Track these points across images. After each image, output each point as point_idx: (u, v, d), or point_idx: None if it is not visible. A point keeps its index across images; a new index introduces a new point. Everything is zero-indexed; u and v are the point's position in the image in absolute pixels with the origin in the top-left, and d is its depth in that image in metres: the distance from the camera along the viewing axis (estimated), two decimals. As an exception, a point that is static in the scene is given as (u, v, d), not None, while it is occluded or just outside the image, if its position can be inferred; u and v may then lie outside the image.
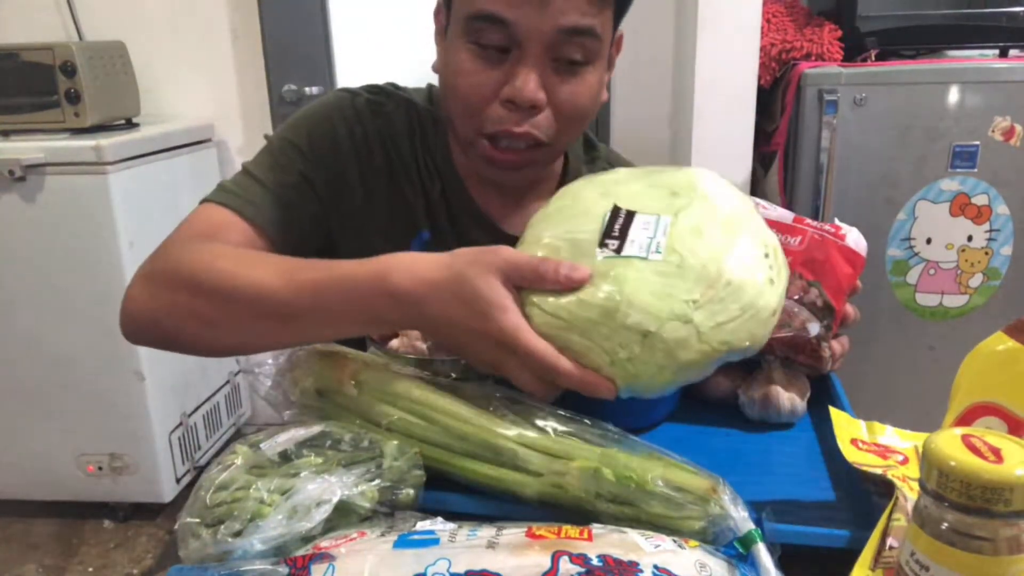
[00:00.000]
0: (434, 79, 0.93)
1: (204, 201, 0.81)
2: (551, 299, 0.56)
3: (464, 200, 0.89)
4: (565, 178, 0.93)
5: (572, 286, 0.56)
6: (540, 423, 0.56)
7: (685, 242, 0.57)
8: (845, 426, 0.61)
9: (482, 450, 0.56)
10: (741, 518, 0.47)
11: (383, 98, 0.88)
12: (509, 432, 0.56)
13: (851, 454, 0.57)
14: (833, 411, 0.62)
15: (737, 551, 0.46)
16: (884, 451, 0.58)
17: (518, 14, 0.70)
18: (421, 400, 0.58)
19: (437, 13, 0.82)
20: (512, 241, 0.89)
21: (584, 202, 0.62)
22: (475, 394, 0.60)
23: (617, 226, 0.58)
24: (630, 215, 0.59)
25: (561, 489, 0.53)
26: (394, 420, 0.58)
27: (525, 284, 0.57)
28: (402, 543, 0.43)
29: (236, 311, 0.65)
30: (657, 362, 0.55)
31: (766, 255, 0.59)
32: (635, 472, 0.51)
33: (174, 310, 0.68)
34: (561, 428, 0.56)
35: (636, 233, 0.58)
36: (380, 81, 0.92)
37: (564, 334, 0.56)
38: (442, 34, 0.81)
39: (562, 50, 0.73)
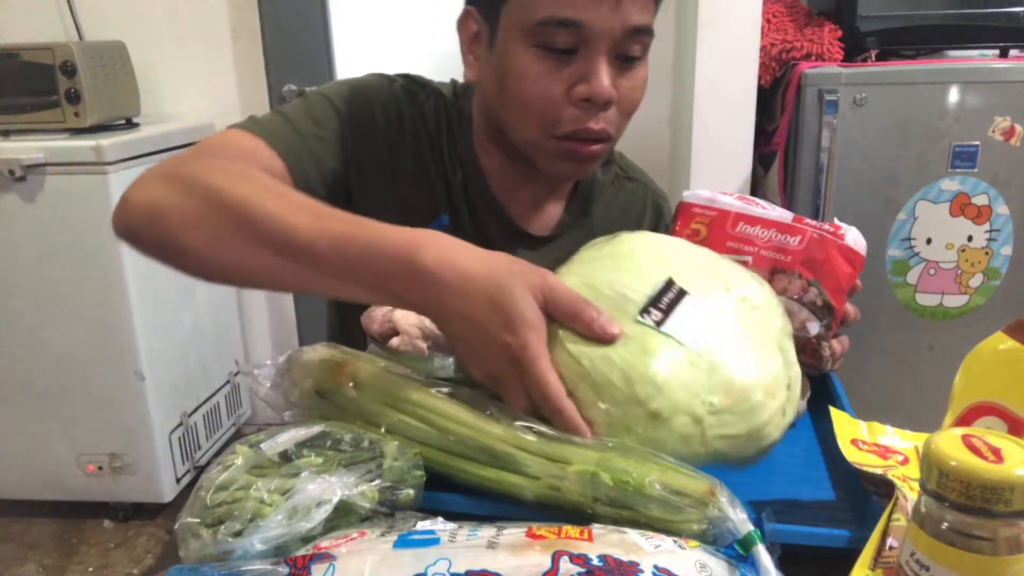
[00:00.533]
0: (441, 75, 0.94)
1: (232, 127, 0.79)
2: (578, 343, 0.56)
3: (486, 196, 0.90)
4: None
5: (602, 339, 0.55)
6: (538, 426, 0.56)
7: (723, 345, 0.56)
8: (845, 426, 0.61)
9: (480, 453, 0.56)
10: (740, 520, 0.47)
11: (417, 87, 0.89)
12: (507, 435, 0.56)
13: (851, 454, 0.57)
14: (833, 411, 0.62)
15: (737, 552, 0.46)
16: (884, 451, 0.58)
17: (592, 16, 0.71)
18: (420, 403, 0.58)
19: (464, 23, 0.81)
20: (529, 238, 0.92)
21: (640, 259, 0.61)
22: (474, 397, 0.60)
23: (666, 299, 0.58)
24: (681, 293, 0.58)
25: (559, 492, 0.53)
26: (393, 422, 0.58)
27: (556, 315, 0.56)
28: (402, 543, 0.43)
29: (250, 234, 0.61)
30: (651, 445, 0.55)
31: (788, 386, 0.59)
32: (632, 476, 0.51)
33: (183, 214, 0.64)
34: (559, 432, 0.56)
35: (681, 314, 0.57)
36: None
37: (576, 380, 0.56)
38: (476, 43, 0.81)
39: (624, 47, 0.74)
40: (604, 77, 0.73)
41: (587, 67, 0.73)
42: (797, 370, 0.61)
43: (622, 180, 1.00)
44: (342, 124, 0.83)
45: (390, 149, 0.85)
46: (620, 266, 0.61)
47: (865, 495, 0.57)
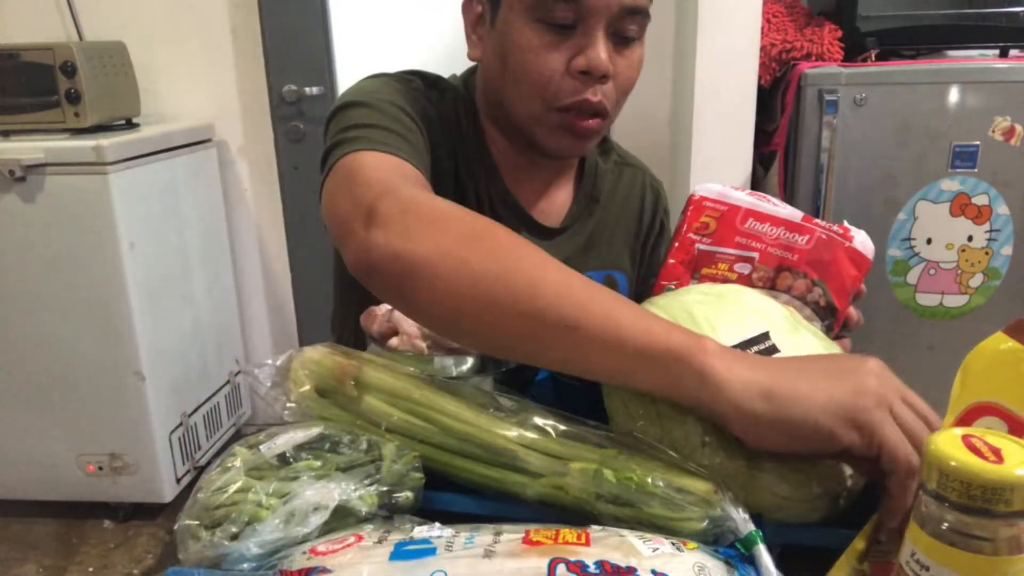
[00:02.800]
0: (440, 70, 0.94)
1: (352, 151, 0.70)
2: None
3: (500, 188, 0.90)
4: (585, 165, 0.97)
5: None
6: (541, 423, 0.56)
7: None
8: None
9: (483, 451, 0.56)
10: (742, 519, 0.47)
11: (432, 85, 0.89)
12: (510, 433, 0.56)
13: None
14: None
15: (737, 551, 0.46)
16: None
17: None
18: (422, 401, 0.58)
19: (469, 5, 0.84)
20: (543, 230, 0.92)
21: (744, 309, 0.62)
22: (476, 394, 0.60)
23: (756, 347, 0.59)
24: (773, 348, 0.59)
25: (561, 490, 0.53)
26: (394, 421, 0.58)
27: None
28: (398, 555, 0.43)
29: (521, 292, 0.54)
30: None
31: (850, 476, 0.56)
32: (636, 473, 0.51)
33: (454, 279, 0.55)
34: (562, 428, 0.56)
35: None
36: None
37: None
38: (480, 23, 0.83)
39: (620, 26, 0.77)
40: (602, 50, 0.76)
41: (585, 41, 0.76)
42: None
43: (621, 166, 1.02)
44: (414, 123, 0.79)
45: (434, 148, 0.84)
46: (723, 308, 0.62)
47: (866, 494, 0.57)
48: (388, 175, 0.68)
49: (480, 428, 0.56)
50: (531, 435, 0.55)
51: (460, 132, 0.88)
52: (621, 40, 0.78)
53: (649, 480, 0.50)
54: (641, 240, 1.02)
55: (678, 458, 0.52)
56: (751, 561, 0.45)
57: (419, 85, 0.87)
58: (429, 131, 0.82)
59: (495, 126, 0.89)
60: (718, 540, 0.48)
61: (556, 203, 0.95)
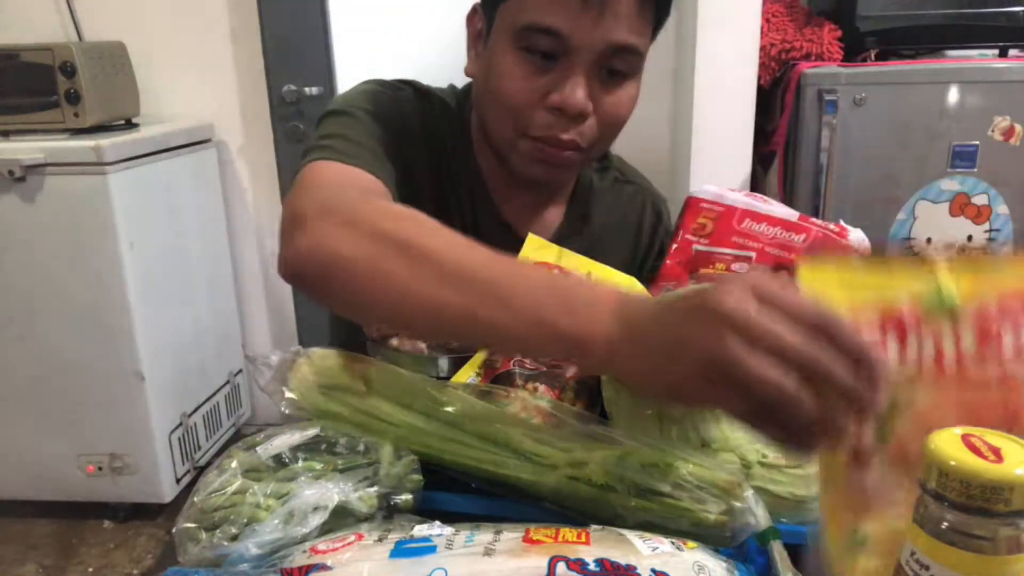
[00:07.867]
0: (439, 80, 0.94)
1: (313, 160, 0.72)
2: None
3: (488, 206, 0.89)
4: (579, 183, 0.95)
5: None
6: (559, 420, 0.56)
7: None
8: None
9: (499, 446, 0.55)
10: (762, 515, 0.47)
11: (422, 96, 0.88)
12: (526, 429, 0.55)
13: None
14: None
15: (735, 552, 0.46)
16: None
17: (573, 27, 0.72)
18: (435, 398, 0.58)
19: (471, 18, 0.83)
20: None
21: None
22: (485, 391, 0.60)
23: None
24: None
25: (577, 481, 0.52)
26: (402, 417, 0.58)
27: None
28: (399, 552, 0.43)
29: (425, 275, 0.53)
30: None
31: None
32: (661, 460, 0.50)
33: (367, 265, 0.56)
34: (580, 425, 0.56)
35: None
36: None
37: None
38: (478, 39, 0.82)
39: (608, 63, 0.74)
40: (578, 90, 0.74)
41: (564, 77, 0.74)
42: None
43: (621, 184, 0.99)
44: (390, 135, 0.80)
45: (412, 160, 0.84)
46: None
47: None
48: (335, 183, 0.69)
49: (493, 422, 0.56)
50: (549, 430, 0.55)
51: (446, 145, 0.87)
52: (610, 75, 0.76)
53: (673, 466, 0.50)
54: (638, 261, 0.99)
55: (697, 457, 0.52)
56: (753, 559, 0.45)
57: (409, 95, 0.86)
58: (408, 143, 0.82)
59: (485, 141, 0.87)
60: (737, 535, 0.48)
61: (546, 220, 0.93)
